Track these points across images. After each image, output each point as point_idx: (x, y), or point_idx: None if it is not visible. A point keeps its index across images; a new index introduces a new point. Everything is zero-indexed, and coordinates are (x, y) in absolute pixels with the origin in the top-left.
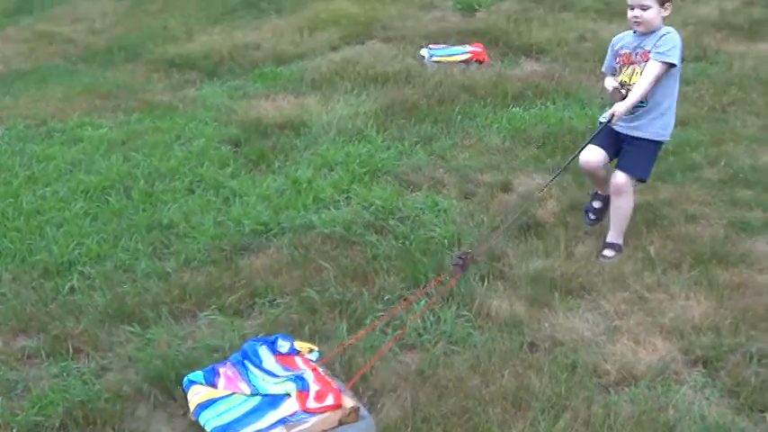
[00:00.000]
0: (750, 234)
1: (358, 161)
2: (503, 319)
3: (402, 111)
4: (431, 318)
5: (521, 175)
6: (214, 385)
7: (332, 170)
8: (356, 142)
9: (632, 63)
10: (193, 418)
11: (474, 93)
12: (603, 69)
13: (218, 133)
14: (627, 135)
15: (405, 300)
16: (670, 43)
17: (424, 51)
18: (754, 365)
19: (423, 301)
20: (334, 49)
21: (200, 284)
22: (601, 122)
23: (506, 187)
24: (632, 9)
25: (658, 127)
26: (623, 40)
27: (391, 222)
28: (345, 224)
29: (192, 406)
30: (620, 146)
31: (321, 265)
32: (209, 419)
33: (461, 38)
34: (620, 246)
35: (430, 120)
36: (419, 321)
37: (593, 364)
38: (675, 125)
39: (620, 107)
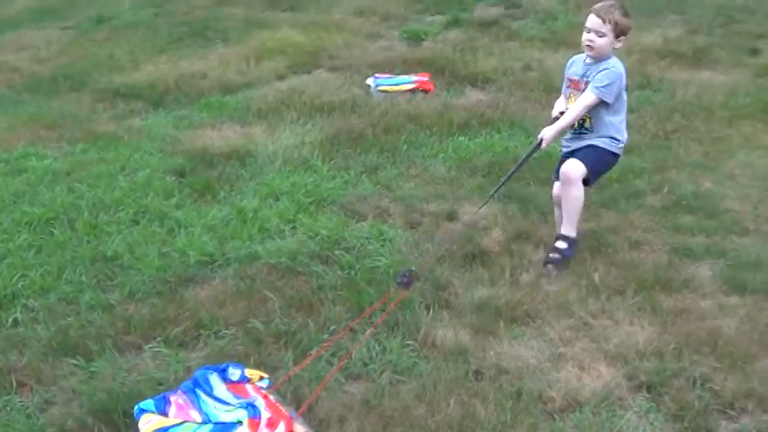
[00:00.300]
0: (693, 260)
1: (304, 191)
2: (448, 348)
3: (348, 140)
4: (376, 347)
5: (466, 204)
6: (165, 413)
7: (277, 200)
8: (302, 172)
9: (580, 90)
10: None
11: (420, 122)
12: (562, 91)
13: (163, 164)
14: (577, 147)
15: (351, 329)
16: (607, 79)
17: (370, 81)
18: (697, 390)
19: (368, 330)
20: (281, 78)
21: (144, 316)
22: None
23: (452, 216)
24: (588, 32)
25: (606, 140)
26: (575, 65)
27: (337, 252)
28: (291, 254)
29: None
30: None
31: (266, 295)
32: None
33: (407, 67)
34: (573, 239)
35: (376, 149)
36: (365, 351)
37: (539, 390)
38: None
39: (548, 132)
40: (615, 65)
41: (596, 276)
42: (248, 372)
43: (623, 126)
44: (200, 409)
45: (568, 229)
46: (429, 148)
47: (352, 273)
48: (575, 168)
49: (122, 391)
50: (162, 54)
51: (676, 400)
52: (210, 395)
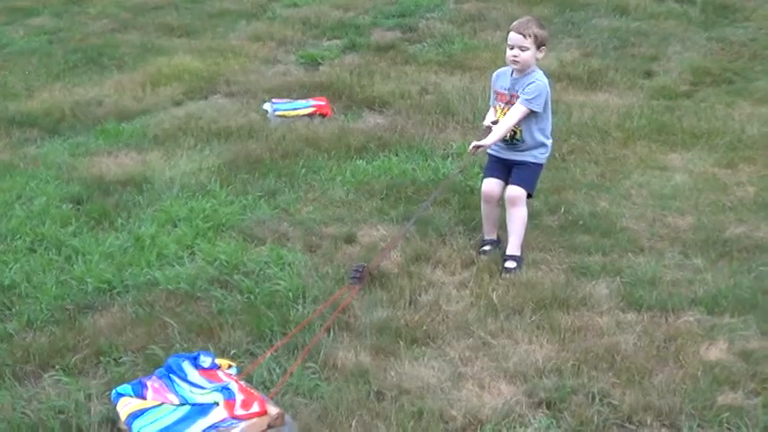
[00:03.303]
0: (590, 278)
1: (202, 216)
2: (349, 369)
3: (246, 165)
4: (277, 370)
5: (365, 227)
6: (143, 397)
7: (175, 226)
8: (200, 197)
9: (508, 103)
10: (125, 428)
11: (318, 146)
12: (490, 103)
13: (60, 192)
14: (514, 160)
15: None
16: (535, 91)
17: (267, 106)
18: (596, 405)
19: (270, 356)
20: (178, 104)
21: (43, 345)
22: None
23: (351, 239)
24: (512, 48)
25: (537, 153)
26: (501, 79)
27: (236, 277)
28: (190, 280)
29: (123, 416)
30: (509, 170)
31: (166, 321)
32: (141, 427)
33: (305, 92)
34: (520, 257)
35: (274, 174)
36: (265, 374)
37: (440, 410)
38: None
39: (484, 142)
40: (540, 78)
41: (495, 296)
42: (218, 360)
43: (549, 131)
44: (176, 393)
45: (515, 247)
46: (327, 172)
47: (252, 297)
48: (518, 192)
49: (23, 420)
50: (57, 81)
51: (576, 415)
52: (185, 380)
